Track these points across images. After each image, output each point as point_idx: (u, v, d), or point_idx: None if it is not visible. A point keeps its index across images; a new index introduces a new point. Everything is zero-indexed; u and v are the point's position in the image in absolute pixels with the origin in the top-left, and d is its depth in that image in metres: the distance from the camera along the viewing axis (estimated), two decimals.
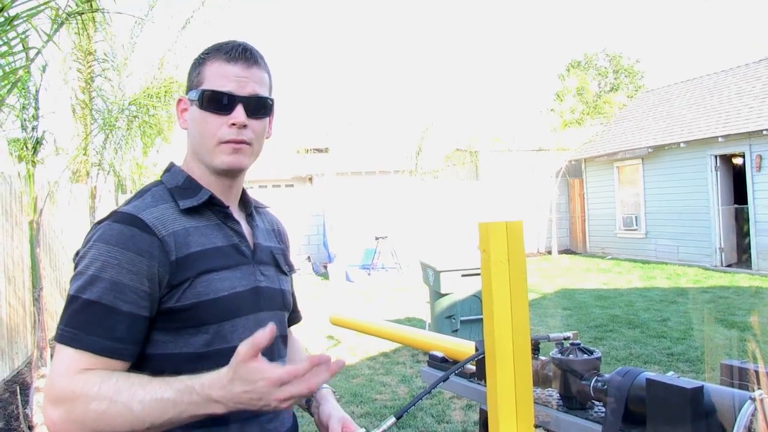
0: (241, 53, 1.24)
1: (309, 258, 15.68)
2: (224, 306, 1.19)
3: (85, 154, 6.12)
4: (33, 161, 4.83)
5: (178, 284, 1.15)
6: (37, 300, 4.79)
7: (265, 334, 0.94)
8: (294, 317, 1.57)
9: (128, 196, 9.40)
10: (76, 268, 1.15)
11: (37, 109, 4.75)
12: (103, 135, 6.23)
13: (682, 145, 13.58)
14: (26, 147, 4.77)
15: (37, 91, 4.70)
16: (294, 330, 1.63)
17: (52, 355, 4.31)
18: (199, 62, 1.27)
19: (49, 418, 1.04)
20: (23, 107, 4.64)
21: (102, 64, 6.23)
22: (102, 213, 6.35)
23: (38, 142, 4.84)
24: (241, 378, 0.96)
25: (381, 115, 26.34)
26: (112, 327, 1.08)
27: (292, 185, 21.98)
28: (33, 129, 4.77)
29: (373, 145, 23.20)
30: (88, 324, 1.08)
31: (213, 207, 1.27)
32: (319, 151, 24.21)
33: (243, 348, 0.95)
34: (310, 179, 21.70)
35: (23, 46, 3.35)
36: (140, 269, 1.11)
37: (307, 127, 25.19)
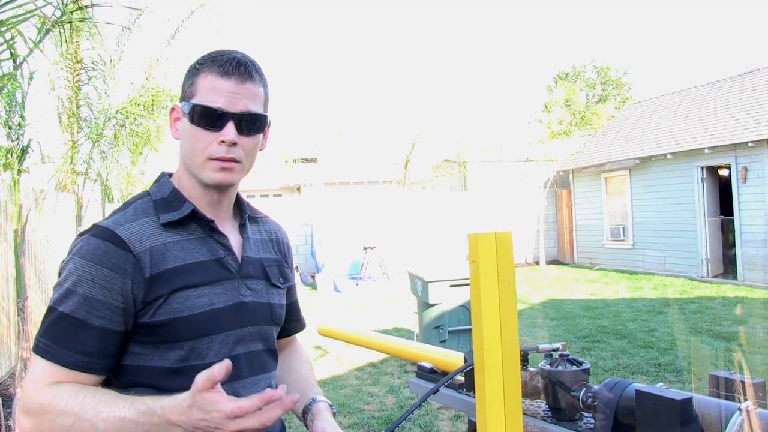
0: (234, 67, 1.20)
1: (297, 268, 15.63)
2: (199, 323, 1.19)
3: (71, 163, 6.06)
4: (18, 170, 4.78)
5: (152, 300, 1.16)
6: (21, 310, 4.73)
7: (220, 370, 0.97)
8: (296, 326, 1.58)
9: (116, 205, 9.33)
10: (59, 277, 1.17)
11: (23, 116, 4.71)
12: (90, 143, 6.19)
13: (669, 156, 13.70)
14: (11, 155, 4.73)
15: (23, 98, 4.67)
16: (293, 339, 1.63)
17: None
18: (193, 72, 1.23)
19: (21, 428, 1.08)
20: (9, 114, 4.61)
21: (90, 72, 6.19)
22: (89, 222, 6.30)
23: (24, 151, 4.80)
24: (198, 406, 0.99)
25: (370, 126, 26.36)
26: (83, 341, 1.11)
27: (280, 195, 21.95)
28: (19, 137, 4.73)
29: (361, 155, 23.24)
30: (61, 337, 1.11)
31: (197, 220, 1.25)
32: (308, 161, 24.20)
33: (200, 379, 0.98)
34: (299, 189, 21.68)
35: (10, 53, 3.34)
36: (113, 285, 1.13)
37: (296, 136, 25.16)
